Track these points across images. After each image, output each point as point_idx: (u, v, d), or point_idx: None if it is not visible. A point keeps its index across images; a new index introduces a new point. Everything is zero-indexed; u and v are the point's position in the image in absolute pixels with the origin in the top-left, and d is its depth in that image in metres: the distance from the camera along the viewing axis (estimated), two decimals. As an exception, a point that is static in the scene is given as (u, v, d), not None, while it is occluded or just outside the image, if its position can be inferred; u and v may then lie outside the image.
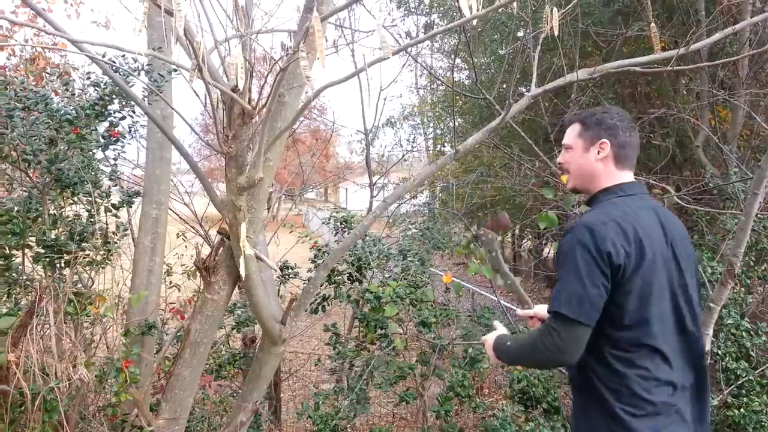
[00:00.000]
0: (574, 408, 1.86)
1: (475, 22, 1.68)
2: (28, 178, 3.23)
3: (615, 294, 1.63)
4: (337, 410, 3.85)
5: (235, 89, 2.03)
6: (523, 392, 3.98)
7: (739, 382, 3.62)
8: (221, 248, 2.81)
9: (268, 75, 1.91)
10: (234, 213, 2.40)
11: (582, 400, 1.79)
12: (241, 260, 2.43)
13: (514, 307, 2.36)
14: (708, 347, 2.94)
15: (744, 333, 3.73)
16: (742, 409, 3.51)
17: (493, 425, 3.66)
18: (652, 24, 2.91)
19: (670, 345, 1.69)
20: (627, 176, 1.87)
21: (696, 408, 1.73)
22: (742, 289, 4.06)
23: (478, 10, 1.59)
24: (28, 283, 3.21)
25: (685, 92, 7.35)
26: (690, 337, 1.74)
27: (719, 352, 3.72)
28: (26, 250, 3.18)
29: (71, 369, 2.80)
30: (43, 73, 4.75)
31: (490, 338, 1.97)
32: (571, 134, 1.94)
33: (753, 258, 4.22)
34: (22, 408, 2.75)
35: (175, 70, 3.38)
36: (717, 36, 3.11)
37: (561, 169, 2.01)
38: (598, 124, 1.87)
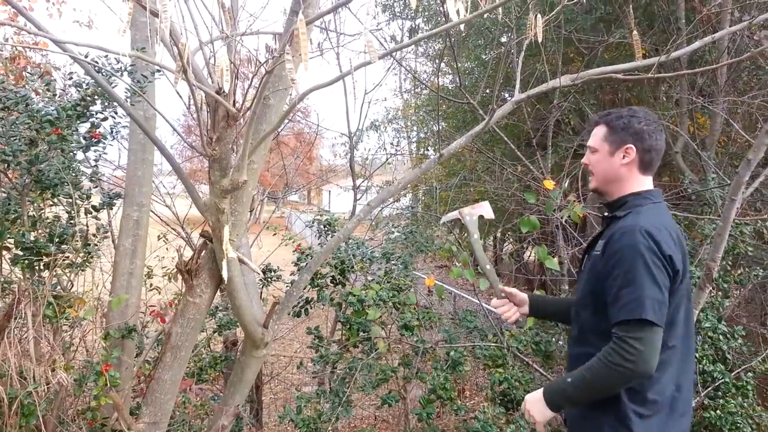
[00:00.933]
0: (576, 411, 1.84)
1: (462, 27, 1.70)
2: (6, 179, 3.17)
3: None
4: (320, 413, 3.84)
5: (219, 91, 2.02)
6: (504, 394, 4.00)
7: (715, 384, 3.68)
8: (203, 251, 2.78)
9: (253, 77, 1.90)
10: (217, 216, 2.39)
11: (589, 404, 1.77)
12: (224, 263, 2.42)
13: (495, 310, 2.32)
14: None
15: (721, 336, 3.79)
16: (718, 411, 3.57)
17: (474, 427, 3.67)
18: (635, 32, 2.96)
19: (684, 347, 1.75)
20: (649, 181, 1.87)
21: (687, 404, 1.78)
22: (720, 293, 4.13)
23: (465, 15, 1.60)
24: (6, 285, 3.16)
25: (664, 99, 7.46)
26: (691, 341, 1.80)
27: (697, 355, 3.77)
28: (4, 252, 3.13)
29: (50, 372, 2.76)
30: (24, 73, 4.67)
31: (531, 396, 1.83)
32: (597, 136, 1.91)
33: (730, 262, 4.29)
34: (-1, 412, 2.70)
35: (159, 71, 3.35)
36: (697, 44, 3.17)
37: (584, 170, 2.00)
38: (624, 128, 1.84)
